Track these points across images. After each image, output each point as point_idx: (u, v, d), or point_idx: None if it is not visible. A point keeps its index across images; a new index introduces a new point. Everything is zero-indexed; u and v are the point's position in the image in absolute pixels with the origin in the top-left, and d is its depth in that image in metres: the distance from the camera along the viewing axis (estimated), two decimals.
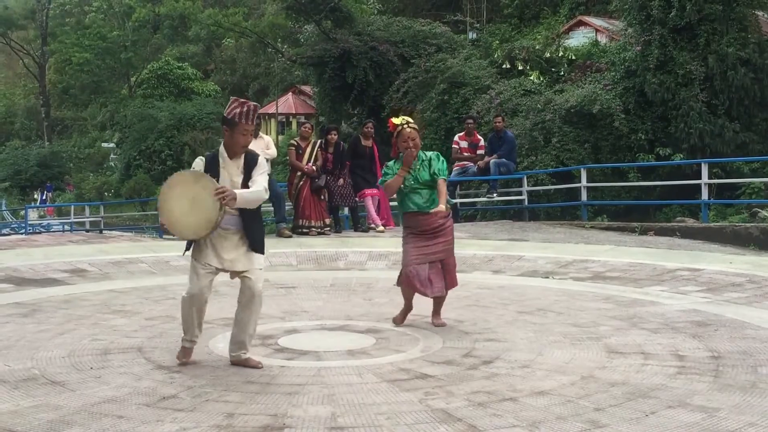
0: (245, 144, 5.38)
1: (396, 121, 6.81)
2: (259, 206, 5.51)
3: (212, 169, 5.34)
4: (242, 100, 5.43)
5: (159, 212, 5.35)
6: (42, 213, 39.80)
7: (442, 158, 6.79)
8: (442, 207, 6.61)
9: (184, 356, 5.65)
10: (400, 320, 6.97)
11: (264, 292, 8.63)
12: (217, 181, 5.26)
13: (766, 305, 7.61)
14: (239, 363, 5.54)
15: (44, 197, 46.25)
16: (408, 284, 6.74)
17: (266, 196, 5.40)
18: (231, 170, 5.39)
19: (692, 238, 13.12)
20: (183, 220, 5.26)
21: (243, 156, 5.42)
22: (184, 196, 5.20)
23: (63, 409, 4.61)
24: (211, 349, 6.09)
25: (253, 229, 5.48)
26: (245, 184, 5.38)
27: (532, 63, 23.57)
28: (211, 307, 7.71)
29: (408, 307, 6.97)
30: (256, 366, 5.51)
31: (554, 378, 5.23)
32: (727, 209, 17.33)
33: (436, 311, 6.95)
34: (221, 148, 5.44)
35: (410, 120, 6.82)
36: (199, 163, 5.46)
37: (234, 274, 5.52)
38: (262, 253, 5.54)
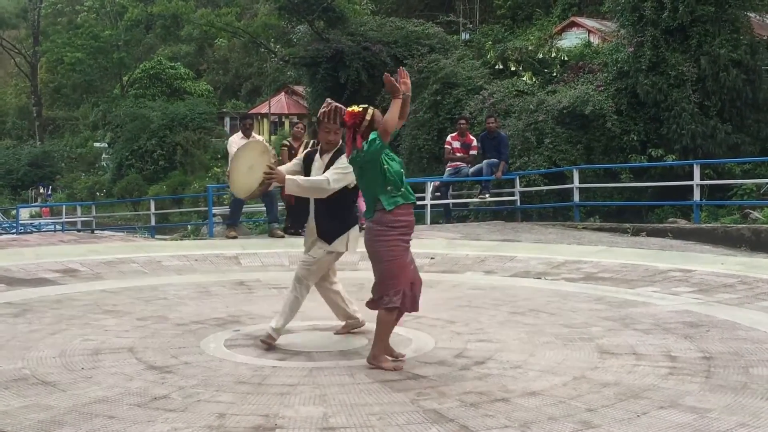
0: (327, 140, 6.13)
1: (356, 108, 5.64)
2: (337, 200, 6.26)
3: (308, 161, 6.27)
4: (330, 101, 6.15)
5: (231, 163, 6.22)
6: (35, 212, 39.67)
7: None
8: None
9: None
10: (396, 364, 5.59)
11: (257, 293, 8.67)
12: (309, 171, 6.18)
13: (757, 306, 7.63)
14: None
15: (49, 192, 46.29)
16: (414, 306, 5.67)
17: (327, 186, 6.00)
18: (319, 164, 6.19)
19: (684, 239, 13.15)
20: (236, 178, 6.37)
21: (332, 153, 6.13)
22: (249, 159, 6.17)
23: (54, 410, 4.60)
24: (203, 350, 6.08)
25: (324, 221, 6.27)
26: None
27: (525, 64, 23.57)
28: (203, 307, 7.74)
29: (388, 346, 5.70)
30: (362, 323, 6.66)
31: (546, 379, 5.24)
32: (719, 210, 17.35)
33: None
34: (320, 144, 6.26)
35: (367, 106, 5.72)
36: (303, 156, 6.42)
37: None
38: (328, 243, 6.26)
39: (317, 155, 6.25)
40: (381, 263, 5.56)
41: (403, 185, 5.60)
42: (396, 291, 5.49)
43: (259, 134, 16.42)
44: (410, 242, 5.67)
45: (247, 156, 6.24)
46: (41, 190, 49.69)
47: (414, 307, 5.66)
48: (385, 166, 5.52)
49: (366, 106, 5.71)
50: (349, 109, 5.68)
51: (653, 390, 4.96)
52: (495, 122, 16.94)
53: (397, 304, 5.50)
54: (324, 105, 6.12)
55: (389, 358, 5.62)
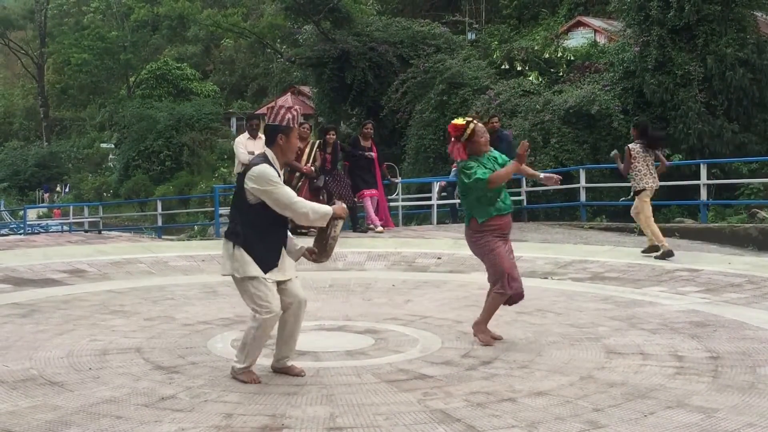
0: (296, 147, 5.49)
1: (460, 121, 6.39)
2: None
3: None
4: (286, 105, 5.35)
5: (331, 249, 5.35)
6: (43, 212, 39.77)
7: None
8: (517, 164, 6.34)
9: (256, 376, 5.27)
10: (490, 339, 6.34)
11: None
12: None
13: (764, 306, 7.62)
14: (283, 370, 5.38)
15: (67, 189, 46.43)
16: (516, 289, 6.40)
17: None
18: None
19: (691, 239, 13.13)
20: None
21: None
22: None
23: (61, 410, 4.61)
24: (210, 350, 6.09)
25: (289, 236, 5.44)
26: None
27: (531, 63, 23.55)
28: (210, 308, 7.75)
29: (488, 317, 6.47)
30: (299, 374, 5.34)
31: (553, 378, 5.23)
32: (725, 210, 17.31)
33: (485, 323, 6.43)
34: (270, 156, 5.26)
35: (471, 119, 6.47)
36: (273, 170, 5.15)
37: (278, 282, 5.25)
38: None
39: (274, 165, 5.27)
40: (483, 257, 6.43)
41: (499, 199, 6.35)
42: (502, 278, 6.34)
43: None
44: (507, 238, 6.42)
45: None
46: (58, 188, 49.91)
47: (516, 289, 6.40)
48: (480, 195, 6.27)
49: (470, 119, 6.39)
50: (454, 122, 6.42)
51: (660, 390, 4.96)
52: (498, 122, 16.94)
53: (506, 291, 6.35)
54: (282, 111, 5.31)
55: (490, 334, 6.35)
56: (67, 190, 48.78)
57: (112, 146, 50.91)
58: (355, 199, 13.83)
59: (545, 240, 12.87)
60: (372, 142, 14.08)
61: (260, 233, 5.12)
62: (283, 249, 5.27)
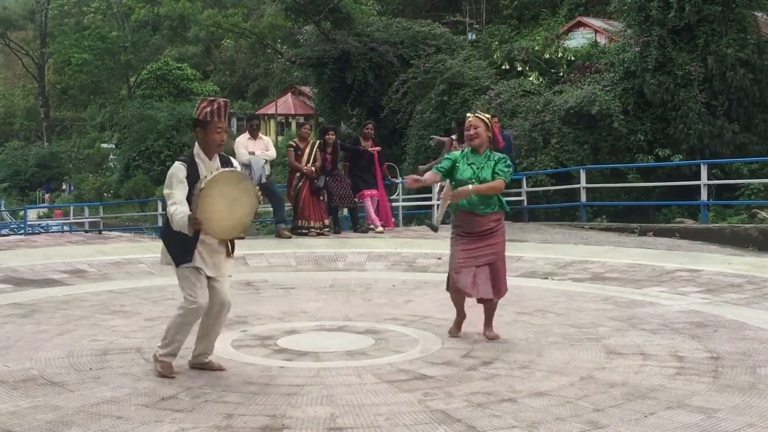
0: (220, 142, 5.30)
1: (469, 114, 6.58)
2: None
3: (193, 172, 5.21)
4: (211, 98, 5.37)
5: (197, 208, 5.02)
6: (43, 213, 39.77)
7: (508, 162, 6.41)
8: (468, 188, 6.20)
9: (172, 370, 5.36)
10: (455, 332, 6.53)
11: (264, 293, 8.68)
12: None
13: (765, 306, 7.62)
14: (201, 366, 5.47)
15: (72, 188, 46.45)
16: (454, 288, 6.38)
17: None
18: (211, 172, 5.21)
19: (691, 239, 13.12)
20: (221, 220, 5.09)
21: (218, 157, 5.34)
22: (226, 195, 5.07)
23: (62, 410, 4.61)
24: None
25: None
26: None
27: (532, 64, 23.58)
28: None
29: (460, 316, 6.58)
30: (219, 369, 5.45)
31: (553, 379, 5.24)
32: (726, 210, 17.33)
33: (487, 322, 6.49)
34: (197, 150, 5.32)
35: (484, 115, 6.51)
36: (181, 168, 5.21)
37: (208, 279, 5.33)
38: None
39: (199, 161, 5.29)
40: None
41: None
42: (449, 276, 6.48)
43: (266, 135, 16.40)
44: (477, 238, 6.37)
45: (220, 192, 5.05)
46: (63, 186, 49.94)
47: (454, 288, 6.42)
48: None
49: (475, 113, 6.52)
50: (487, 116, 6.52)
51: (661, 390, 4.96)
52: (498, 122, 16.93)
53: (447, 288, 6.55)
54: (204, 103, 5.29)
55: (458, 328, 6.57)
56: (71, 188, 48.81)
57: (113, 146, 50.93)
58: (356, 200, 13.84)
59: (546, 240, 12.87)
60: (372, 142, 14.07)
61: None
62: (210, 246, 5.28)
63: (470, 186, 6.21)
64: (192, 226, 5.02)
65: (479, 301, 6.48)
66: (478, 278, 6.32)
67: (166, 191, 5.19)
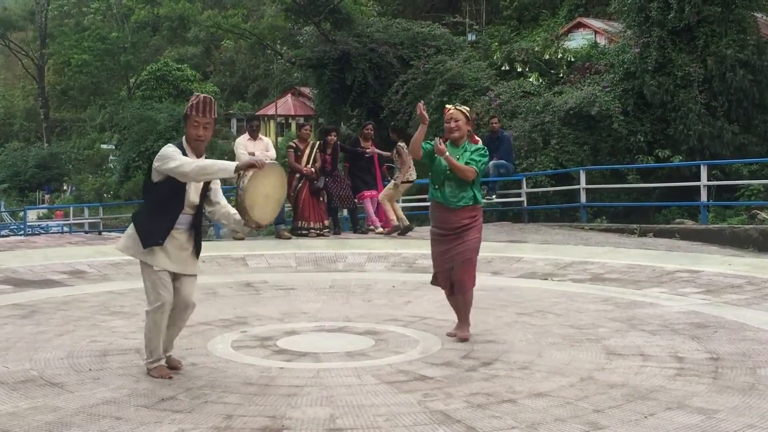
0: (197, 136, 5.29)
1: (449, 105, 6.64)
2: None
3: None
4: (197, 94, 5.50)
5: (243, 202, 5.08)
6: (42, 213, 39.77)
7: (484, 152, 6.41)
8: (446, 151, 6.21)
9: (167, 371, 5.38)
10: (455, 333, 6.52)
11: (264, 294, 8.67)
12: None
13: (765, 307, 7.62)
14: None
15: (73, 189, 46.45)
16: (439, 281, 6.59)
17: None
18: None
19: (691, 240, 13.12)
20: (258, 208, 5.19)
21: (204, 157, 5.35)
22: (264, 186, 5.20)
23: (61, 411, 4.61)
24: (210, 351, 6.08)
25: (199, 231, 5.48)
26: (204, 188, 5.38)
27: (531, 65, 23.56)
28: (209, 309, 7.74)
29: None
30: (176, 366, 5.48)
31: (553, 380, 5.23)
32: (726, 211, 17.33)
33: (459, 320, 6.53)
34: (184, 143, 5.34)
35: (464, 107, 6.54)
36: (176, 149, 5.20)
37: (172, 276, 5.33)
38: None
39: (187, 153, 5.30)
40: None
41: (437, 187, 6.41)
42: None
43: (266, 135, 16.39)
44: (451, 235, 6.38)
45: (257, 184, 5.16)
46: (65, 187, 49.95)
47: (438, 284, 6.64)
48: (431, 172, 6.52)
49: (454, 105, 6.58)
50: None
51: (660, 391, 4.96)
52: (498, 123, 16.93)
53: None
54: (192, 98, 5.39)
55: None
56: (73, 189, 48.80)
57: (113, 147, 50.92)
58: (356, 200, 13.84)
59: (545, 241, 12.86)
60: (372, 143, 14.08)
61: (151, 210, 5.27)
62: (178, 242, 5.29)
63: (447, 153, 6.24)
64: (242, 165, 5.10)
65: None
66: (452, 278, 6.48)
67: (170, 162, 5.09)
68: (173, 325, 5.45)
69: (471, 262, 6.47)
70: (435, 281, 6.71)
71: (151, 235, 5.23)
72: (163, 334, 5.35)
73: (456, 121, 6.36)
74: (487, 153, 6.53)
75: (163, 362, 5.39)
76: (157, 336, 5.32)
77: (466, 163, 6.27)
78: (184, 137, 5.39)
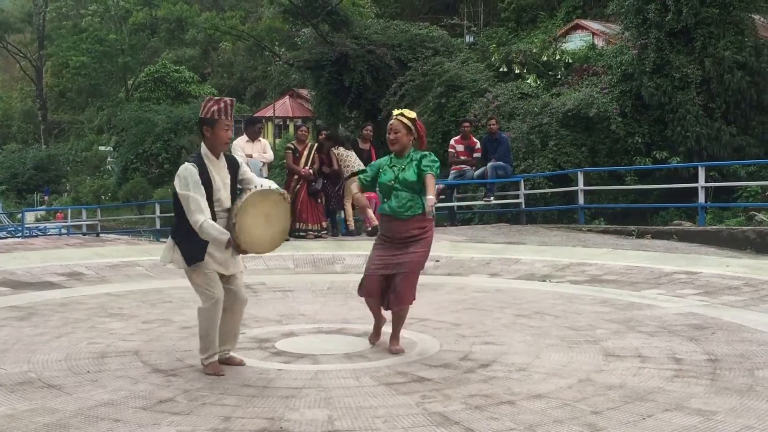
0: (227, 140, 5.40)
1: (395, 111, 6.22)
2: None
3: (203, 172, 5.26)
4: (216, 98, 5.48)
5: (237, 237, 5.20)
6: (41, 215, 39.74)
7: (432, 156, 6.03)
8: (431, 197, 5.80)
9: (220, 368, 5.47)
10: (373, 338, 6.38)
11: (262, 296, 8.67)
12: (211, 184, 5.27)
13: (763, 308, 7.62)
14: (223, 361, 5.58)
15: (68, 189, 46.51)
16: (361, 293, 6.28)
17: None
18: (220, 171, 5.38)
19: (689, 242, 13.12)
20: (262, 236, 5.35)
21: (224, 157, 5.44)
22: (259, 214, 5.30)
23: (59, 413, 4.60)
24: None
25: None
26: (234, 183, 5.45)
27: (530, 66, 23.59)
28: None
29: (377, 320, 6.34)
30: (239, 363, 5.62)
31: (551, 381, 5.23)
32: (724, 212, 17.34)
33: (393, 333, 6.17)
34: (203, 151, 5.37)
35: (406, 112, 6.13)
36: (193, 171, 5.22)
37: (222, 278, 5.48)
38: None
39: (207, 161, 5.34)
40: None
41: (386, 200, 6.08)
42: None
43: (264, 137, 16.39)
44: (399, 245, 6.04)
45: (254, 214, 5.26)
46: (68, 187, 49.99)
47: (362, 293, 6.30)
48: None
49: (396, 113, 6.14)
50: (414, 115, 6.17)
51: (658, 392, 4.96)
52: (496, 124, 16.94)
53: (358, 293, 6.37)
54: (211, 103, 5.40)
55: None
56: (69, 189, 48.84)
57: (111, 149, 50.89)
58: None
59: (543, 243, 12.87)
60: (371, 144, 14.09)
61: (188, 228, 5.24)
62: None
63: (430, 198, 5.82)
64: (235, 250, 5.28)
65: (384, 308, 6.22)
66: (383, 285, 6.10)
67: (182, 192, 5.22)
68: (233, 322, 5.58)
69: (414, 275, 6.10)
70: (360, 290, 6.28)
71: (191, 254, 5.32)
72: (218, 330, 5.44)
73: (396, 132, 6.01)
74: (437, 159, 6.08)
75: (216, 358, 5.47)
76: (213, 331, 5.40)
77: (420, 173, 5.93)
78: (202, 146, 5.38)
